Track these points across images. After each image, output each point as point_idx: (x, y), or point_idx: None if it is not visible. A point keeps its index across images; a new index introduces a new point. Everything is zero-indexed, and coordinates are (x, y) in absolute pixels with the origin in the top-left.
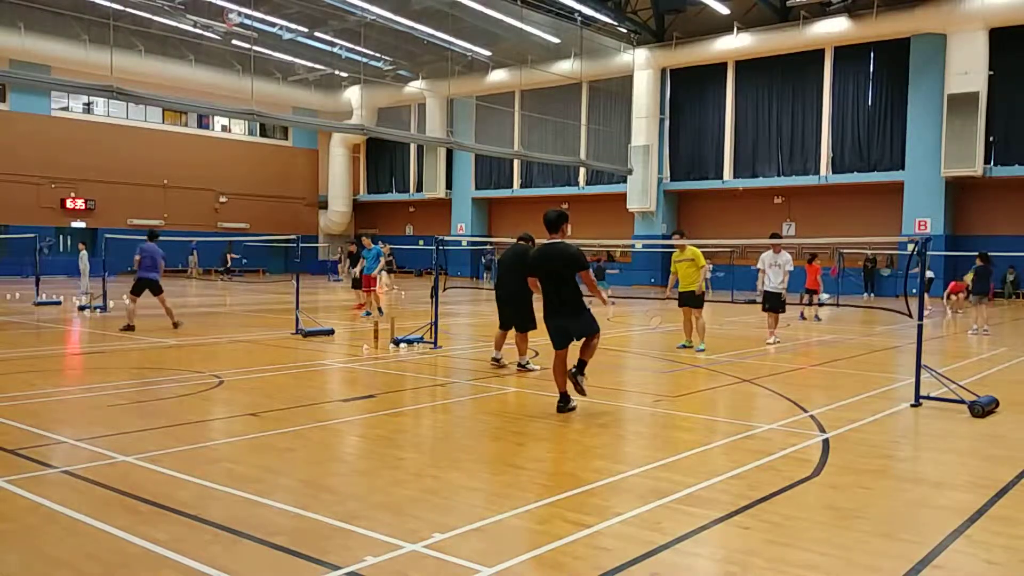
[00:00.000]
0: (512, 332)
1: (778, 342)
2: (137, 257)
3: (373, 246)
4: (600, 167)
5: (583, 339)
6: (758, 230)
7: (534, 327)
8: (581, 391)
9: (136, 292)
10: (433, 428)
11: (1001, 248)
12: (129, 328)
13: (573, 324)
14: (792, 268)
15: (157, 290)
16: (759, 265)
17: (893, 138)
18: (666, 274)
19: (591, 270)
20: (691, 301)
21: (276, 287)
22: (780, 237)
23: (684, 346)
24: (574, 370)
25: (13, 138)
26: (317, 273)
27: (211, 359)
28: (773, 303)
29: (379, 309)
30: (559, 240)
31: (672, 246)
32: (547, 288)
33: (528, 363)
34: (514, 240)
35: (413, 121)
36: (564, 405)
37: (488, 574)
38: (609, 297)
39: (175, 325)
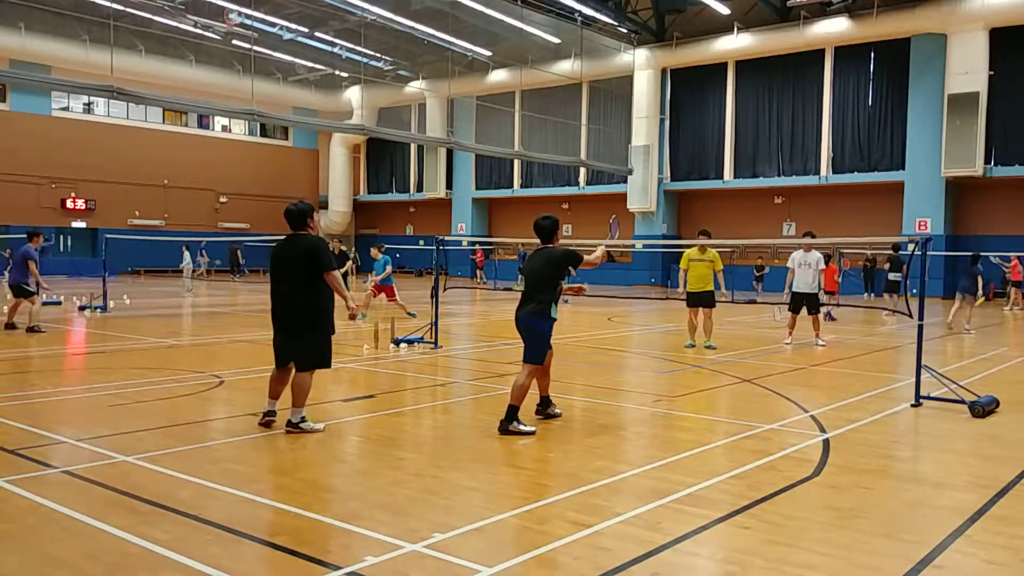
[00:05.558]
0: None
1: (823, 344)
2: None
3: (382, 255)
4: (600, 167)
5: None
6: (758, 230)
7: (326, 363)
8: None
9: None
10: (433, 428)
11: (1001, 248)
12: (32, 330)
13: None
14: (823, 267)
15: (25, 294)
16: (789, 264)
17: (893, 138)
18: (666, 274)
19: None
20: (705, 301)
21: None
22: (815, 236)
23: (691, 345)
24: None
25: (13, 138)
26: None
27: (211, 359)
28: (806, 303)
29: (409, 312)
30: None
31: (680, 245)
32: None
33: (305, 421)
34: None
35: (413, 121)
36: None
37: (488, 574)
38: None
39: (6, 326)
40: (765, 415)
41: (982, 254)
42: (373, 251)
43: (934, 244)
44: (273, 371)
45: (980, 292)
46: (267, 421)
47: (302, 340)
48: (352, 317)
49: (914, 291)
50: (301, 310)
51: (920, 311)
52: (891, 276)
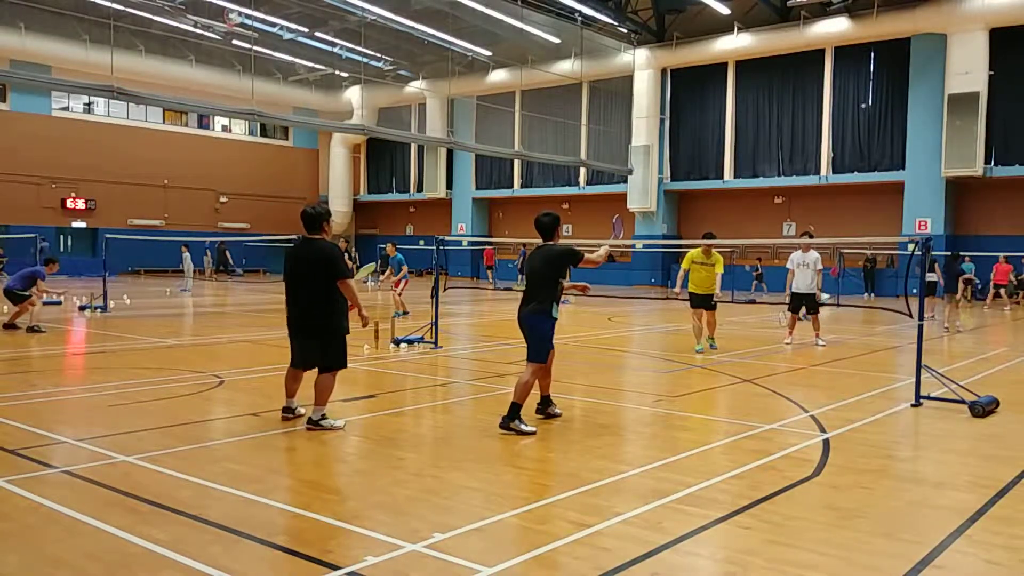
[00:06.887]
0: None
1: (823, 344)
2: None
3: (397, 252)
4: (600, 167)
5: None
6: (758, 230)
7: (343, 363)
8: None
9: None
10: (433, 428)
11: (1001, 248)
12: (32, 329)
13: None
14: (821, 267)
15: (18, 299)
16: (788, 265)
17: (893, 138)
18: (666, 273)
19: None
20: (707, 303)
21: (277, 287)
22: (812, 236)
23: (701, 350)
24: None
25: (13, 138)
26: None
27: (211, 359)
28: (806, 303)
29: (403, 311)
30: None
31: (680, 245)
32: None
33: (326, 419)
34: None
35: (413, 121)
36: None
37: (488, 574)
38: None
39: (5, 325)
40: (765, 415)
41: (961, 254)
42: (389, 247)
43: (934, 244)
44: (288, 370)
45: (967, 291)
46: (287, 417)
47: (325, 344)
48: (364, 324)
49: (914, 291)
50: (320, 314)
51: (920, 311)
52: (929, 278)
